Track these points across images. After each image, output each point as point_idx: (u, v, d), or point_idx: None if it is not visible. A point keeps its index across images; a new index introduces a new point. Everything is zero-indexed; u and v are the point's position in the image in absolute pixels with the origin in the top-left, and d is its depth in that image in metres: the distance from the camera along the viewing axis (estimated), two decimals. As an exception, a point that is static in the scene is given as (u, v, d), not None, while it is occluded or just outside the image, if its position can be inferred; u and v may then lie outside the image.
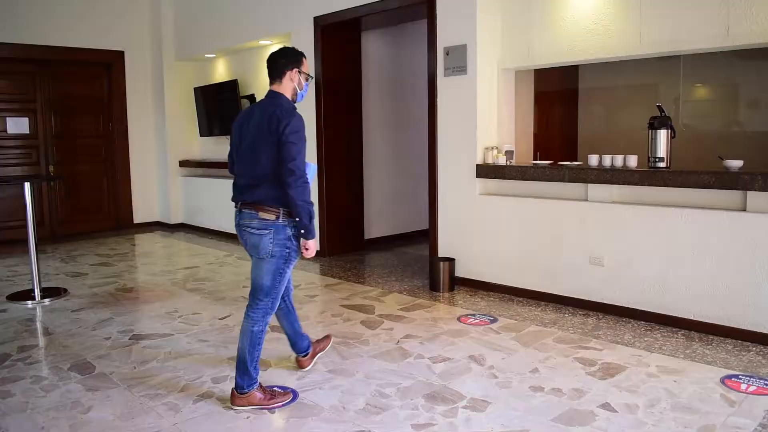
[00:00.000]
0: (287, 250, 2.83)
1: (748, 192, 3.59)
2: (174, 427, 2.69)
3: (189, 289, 5.20)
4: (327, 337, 3.54)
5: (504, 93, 5.02)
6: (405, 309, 4.46)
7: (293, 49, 2.94)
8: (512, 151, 4.92)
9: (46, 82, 7.95)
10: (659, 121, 4.03)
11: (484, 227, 4.85)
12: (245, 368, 2.84)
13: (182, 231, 8.50)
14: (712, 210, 3.72)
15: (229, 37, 7.45)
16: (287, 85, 2.87)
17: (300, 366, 3.33)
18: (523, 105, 5.30)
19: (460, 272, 5.05)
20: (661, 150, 4.02)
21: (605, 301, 4.20)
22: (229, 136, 8.33)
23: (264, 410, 2.83)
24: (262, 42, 7.23)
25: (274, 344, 3.73)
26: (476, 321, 4.13)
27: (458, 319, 4.19)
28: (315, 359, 3.37)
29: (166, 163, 8.64)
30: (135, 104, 8.61)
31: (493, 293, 4.81)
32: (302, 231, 2.79)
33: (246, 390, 2.84)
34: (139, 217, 8.80)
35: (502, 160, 4.75)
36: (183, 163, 8.64)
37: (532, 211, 4.55)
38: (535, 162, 4.72)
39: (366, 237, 6.91)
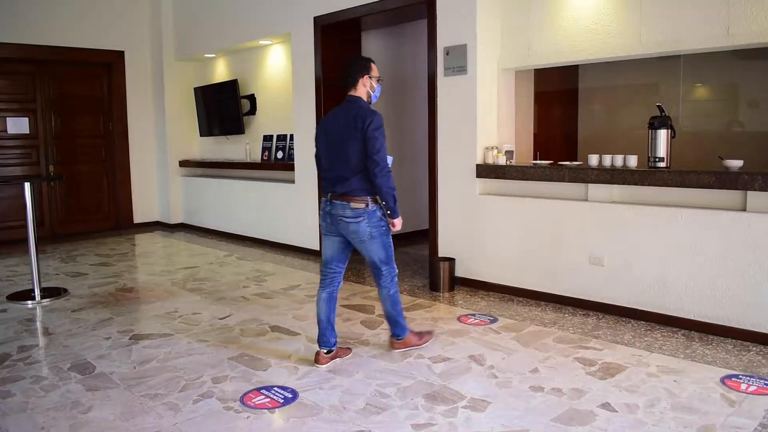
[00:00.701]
0: (383, 228, 3.32)
1: (748, 192, 3.59)
2: (174, 427, 2.69)
3: (189, 289, 5.20)
4: (428, 333, 3.77)
5: (504, 93, 5.02)
6: (405, 309, 4.44)
7: (363, 57, 3.40)
8: (512, 151, 4.92)
9: (46, 82, 7.96)
10: (659, 121, 4.03)
11: (484, 227, 4.85)
12: (396, 322, 3.49)
13: (182, 231, 8.50)
14: (712, 210, 3.72)
15: (229, 37, 7.45)
16: (362, 90, 3.33)
17: (317, 361, 3.37)
18: (523, 105, 5.30)
19: (460, 272, 5.05)
20: (661, 150, 4.02)
21: (605, 301, 4.20)
22: (228, 136, 8.38)
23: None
24: (262, 42, 7.24)
25: (274, 344, 3.73)
26: (476, 321, 4.13)
27: (458, 319, 4.19)
28: (330, 362, 3.41)
29: (166, 163, 8.64)
30: (135, 104, 8.61)
31: (493, 293, 4.81)
32: (388, 212, 3.24)
33: (402, 336, 3.52)
34: (139, 217, 8.80)
35: (502, 160, 4.75)
36: (183, 163, 8.64)
37: (532, 211, 4.55)
38: (535, 162, 4.72)
39: (366, 237, 6.90)
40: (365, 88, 3.33)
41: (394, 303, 3.45)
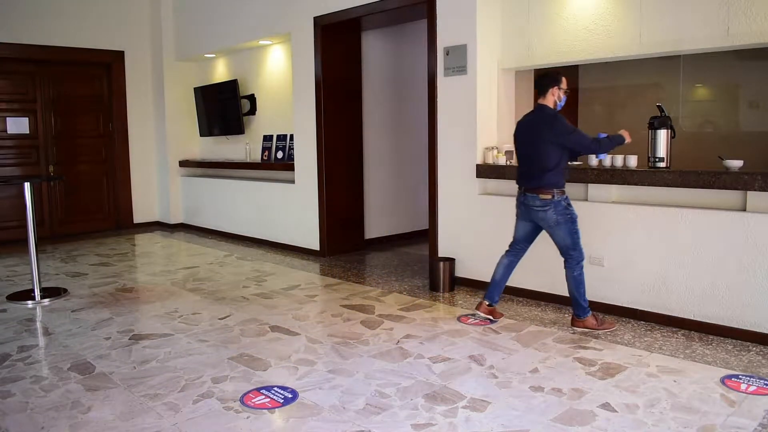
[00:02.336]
0: (568, 215, 3.77)
1: (748, 192, 3.59)
2: (174, 427, 2.69)
3: (189, 289, 5.20)
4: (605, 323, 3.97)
5: (504, 93, 5.02)
6: (405, 309, 4.46)
7: (554, 71, 3.99)
8: (512, 151, 4.92)
9: (46, 82, 7.96)
10: (659, 121, 4.03)
11: (484, 227, 4.85)
12: (578, 302, 3.83)
13: (182, 231, 8.50)
14: (712, 210, 3.72)
15: (229, 37, 7.45)
16: (549, 99, 3.83)
17: (478, 307, 4.10)
18: (523, 105, 5.29)
19: (460, 272, 5.05)
20: (661, 150, 4.02)
21: (605, 301, 4.20)
22: (228, 136, 8.38)
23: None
24: (262, 42, 7.24)
25: (274, 344, 3.73)
26: (476, 321, 4.13)
27: (458, 319, 4.19)
28: (487, 317, 4.08)
29: (166, 163, 8.64)
30: (135, 104, 8.61)
31: (493, 293, 4.80)
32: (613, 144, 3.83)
33: (582, 317, 3.84)
34: (139, 217, 8.80)
35: (502, 160, 4.75)
36: (183, 163, 8.64)
37: (532, 211, 4.55)
38: (535, 162, 4.71)
39: (366, 237, 6.91)
40: (553, 98, 3.82)
41: (577, 285, 3.81)
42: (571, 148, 3.78)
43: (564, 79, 3.85)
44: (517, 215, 4.03)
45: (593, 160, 4.33)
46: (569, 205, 3.80)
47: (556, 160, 3.74)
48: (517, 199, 3.99)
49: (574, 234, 3.78)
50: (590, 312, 3.86)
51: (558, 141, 3.71)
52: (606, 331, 3.81)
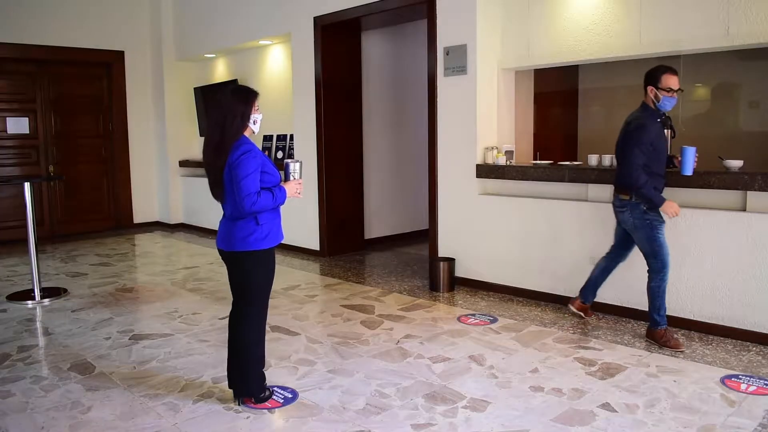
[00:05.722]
0: (647, 221, 3.56)
1: (748, 192, 3.59)
2: (174, 427, 2.69)
3: (189, 289, 5.20)
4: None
5: (504, 93, 5.02)
6: (405, 309, 4.46)
7: (653, 69, 3.58)
8: (512, 151, 4.92)
9: (46, 82, 7.96)
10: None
11: (484, 227, 4.85)
12: (650, 313, 3.64)
13: (182, 231, 8.50)
14: (712, 210, 3.72)
15: (229, 37, 7.45)
16: (648, 97, 3.60)
17: (570, 302, 4.08)
18: (523, 105, 5.30)
19: (460, 272, 5.05)
20: (661, 150, 4.01)
21: (605, 301, 4.20)
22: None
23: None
24: (262, 42, 7.23)
25: (274, 344, 3.73)
26: (476, 321, 4.13)
27: (458, 319, 4.19)
28: (578, 313, 4.07)
29: (166, 163, 8.64)
30: (135, 104, 8.61)
31: (493, 293, 4.81)
32: (648, 205, 3.54)
33: (652, 328, 3.64)
34: (139, 217, 8.80)
35: (502, 160, 4.75)
36: (183, 163, 8.64)
37: (532, 211, 4.55)
38: (535, 162, 4.72)
39: (366, 237, 6.91)
40: (650, 96, 3.57)
41: (653, 296, 3.61)
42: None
43: (667, 77, 3.50)
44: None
45: (593, 160, 4.32)
46: (649, 210, 3.54)
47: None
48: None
49: (652, 241, 3.55)
50: (662, 326, 3.60)
51: (625, 145, 3.56)
52: (671, 348, 3.52)
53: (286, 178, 2.87)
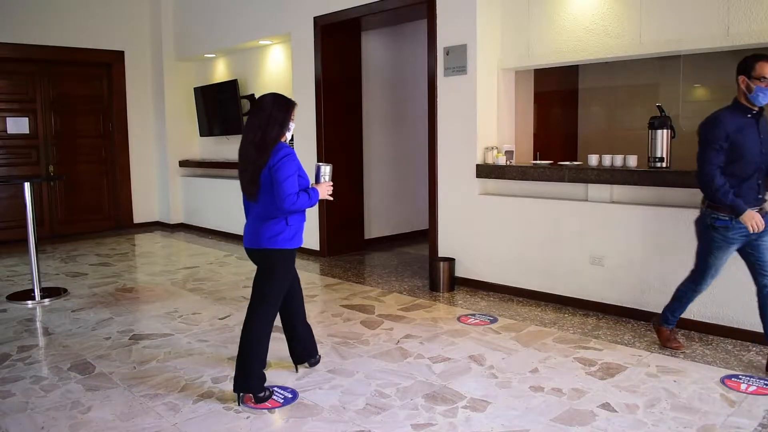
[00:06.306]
0: (707, 235, 3.24)
1: (748, 192, 3.58)
2: (174, 427, 2.69)
3: (189, 289, 5.20)
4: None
5: (504, 93, 5.02)
6: (405, 309, 4.46)
7: (746, 57, 3.15)
8: (512, 151, 4.92)
9: (46, 82, 7.95)
10: (659, 121, 4.03)
11: (484, 227, 4.85)
12: (664, 309, 3.52)
13: (182, 231, 8.50)
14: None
15: (229, 37, 7.45)
16: (739, 90, 3.16)
17: (658, 332, 3.59)
18: (523, 105, 5.29)
19: (460, 272, 5.05)
20: (661, 150, 4.01)
21: (605, 301, 4.20)
22: (228, 136, 8.36)
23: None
24: (262, 42, 7.23)
25: (274, 344, 3.72)
26: (476, 321, 4.13)
27: (458, 319, 4.19)
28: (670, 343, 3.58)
29: (166, 163, 8.64)
30: (135, 104, 8.61)
31: (493, 293, 4.81)
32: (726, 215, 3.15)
33: (660, 323, 3.54)
34: (139, 217, 8.80)
35: (502, 160, 4.75)
36: (183, 163, 8.64)
37: (532, 211, 4.55)
38: (535, 162, 4.72)
39: (366, 237, 6.91)
40: (741, 88, 3.15)
41: (677, 296, 3.45)
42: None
43: (762, 65, 3.06)
44: None
45: (593, 160, 4.32)
46: (715, 227, 3.18)
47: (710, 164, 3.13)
48: None
49: (706, 257, 3.27)
50: (670, 326, 3.51)
51: (698, 144, 3.18)
52: (674, 350, 3.48)
53: (317, 180, 3.05)
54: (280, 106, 2.88)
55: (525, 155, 5.27)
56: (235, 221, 7.70)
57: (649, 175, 3.93)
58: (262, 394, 2.90)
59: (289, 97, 3.05)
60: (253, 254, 2.95)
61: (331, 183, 3.06)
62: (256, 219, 2.92)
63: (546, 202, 4.48)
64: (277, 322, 4.16)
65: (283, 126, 2.87)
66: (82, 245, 7.48)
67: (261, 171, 2.84)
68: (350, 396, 2.98)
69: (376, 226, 7.07)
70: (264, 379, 2.93)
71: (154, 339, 3.88)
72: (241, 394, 2.89)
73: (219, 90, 7.95)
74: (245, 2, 7.08)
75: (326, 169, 3.06)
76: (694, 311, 3.80)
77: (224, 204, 7.88)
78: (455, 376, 3.20)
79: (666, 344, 3.53)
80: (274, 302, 2.96)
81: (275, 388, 3.04)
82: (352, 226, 6.71)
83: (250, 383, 2.88)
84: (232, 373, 3.25)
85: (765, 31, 3.61)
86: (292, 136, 3.34)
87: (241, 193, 3.06)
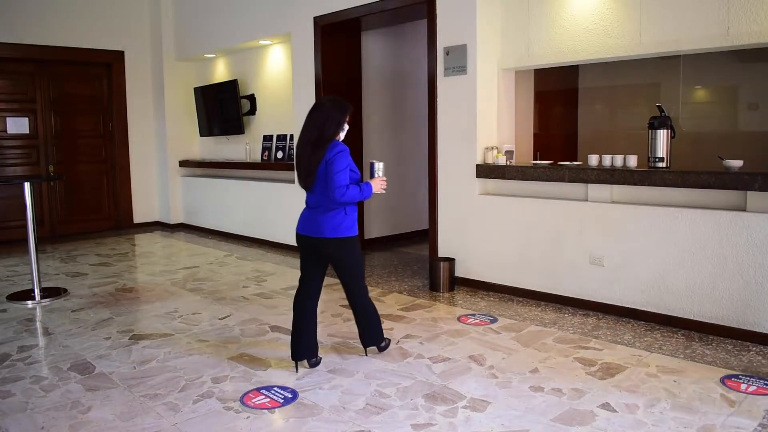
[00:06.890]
0: None
1: (748, 192, 3.59)
2: (174, 427, 2.69)
3: (189, 289, 5.20)
4: None
5: (504, 93, 5.02)
6: (405, 309, 4.46)
7: None
8: (512, 151, 4.92)
9: (46, 82, 7.96)
10: (659, 121, 4.03)
11: (484, 227, 4.85)
12: None
13: (182, 231, 8.50)
14: (712, 210, 3.72)
15: (229, 37, 7.45)
16: None
17: None
18: (523, 105, 5.30)
19: (460, 272, 5.05)
20: (661, 150, 4.02)
21: (605, 301, 4.20)
22: (228, 136, 8.39)
23: (264, 410, 2.83)
24: (262, 42, 7.23)
25: (274, 344, 3.73)
26: (476, 321, 4.13)
27: (458, 319, 4.19)
28: None
29: (166, 163, 8.64)
30: (135, 104, 8.61)
31: (493, 293, 4.81)
32: None
33: None
34: (139, 217, 8.80)
35: (502, 160, 4.75)
36: (183, 163, 8.64)
37: (532, 211, 4.55)
38: (535, 162, 4.71)
39: (366, 237, 6.91)
40: None
41: None
42: None
43: None
44: None
45: (593, 160, 4.32)
46: None
47: None
48: None
49: None
50: None
51: None
52: None
53: (371, 176, 3.37)
54: (337, 109, 3.18)
55: (525, 155, 5.27)
56: (235, 221, 7.71)
57: (649, 175, 3.93)
58: (383, 344, 3.49)
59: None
60: (312, 241, 3.23)
61: (385, 178, 3.38)
62: (311, 210, 3.25)
63: (546, 202, 4.48)
64: (280, 322, 4.17)
65: (339, 126, 3.17)
66: (82, 245, 7.48)
67: (318, 165, 3.13)
68: (350, 396, 2.98)
69: (376, 226, 7.07)
70: (383, 331, 3.52)
71: (154, 339, 3.88)
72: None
73: (219, 90, 7.95)
74: (245, 2, 7.08)
75: (379, 165, 3.36)
76: (694, 311, 3.81)
77: (224, 204, 7.88)
78: (455, 376, 3.20)
79: None
80: (363, 277, 3.42)
81: (275, 388, 3.04)
82: (352, 226, 6.70)
83: (380, 336, 3.46)
84: (232, 373, 3.26)
85: (765, 31, 3.61)
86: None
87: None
